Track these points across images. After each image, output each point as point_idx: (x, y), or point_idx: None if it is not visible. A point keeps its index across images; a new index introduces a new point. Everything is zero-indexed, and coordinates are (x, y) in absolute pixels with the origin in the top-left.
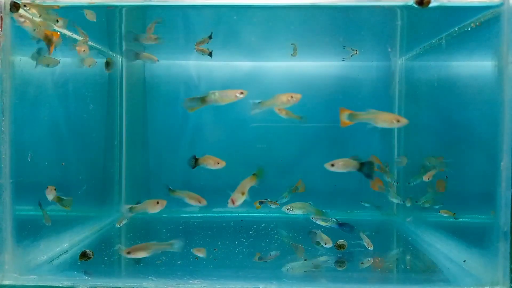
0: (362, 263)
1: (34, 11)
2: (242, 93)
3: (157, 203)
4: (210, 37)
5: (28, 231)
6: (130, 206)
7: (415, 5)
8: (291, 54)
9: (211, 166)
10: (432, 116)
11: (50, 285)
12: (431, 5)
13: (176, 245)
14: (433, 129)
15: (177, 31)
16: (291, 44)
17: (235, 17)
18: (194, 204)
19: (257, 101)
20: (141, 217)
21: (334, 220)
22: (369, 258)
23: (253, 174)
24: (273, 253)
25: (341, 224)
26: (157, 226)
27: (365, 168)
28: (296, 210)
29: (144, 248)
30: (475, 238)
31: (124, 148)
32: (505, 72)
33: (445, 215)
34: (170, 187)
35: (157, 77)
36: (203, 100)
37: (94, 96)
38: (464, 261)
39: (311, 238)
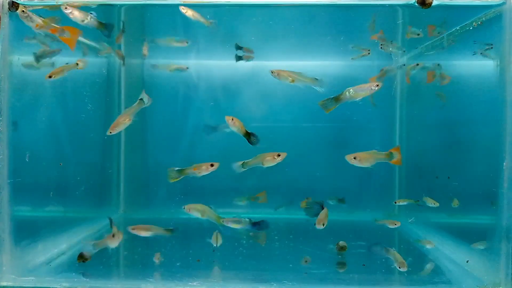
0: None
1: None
2: (378, 85)
3: (278, 155)
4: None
5: (26, 232)
6: (243, 162)
7: (417, 5)
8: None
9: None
10: (434, 116)
11: (48, 286)
12: (433, 4)
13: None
14: (435, 129)
15: (175, 30)
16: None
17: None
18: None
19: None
20: (140, 218)
21: (247, 220)
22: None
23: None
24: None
25: (255, 224)
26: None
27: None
28: (194, 212)
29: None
30: (477, 239)
31: (123, 148)
32: (507, 72)
33: (403, 203)
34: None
35: (156, 77)
36: (337, 99)
37: (92, 96)
38: (467, 261)
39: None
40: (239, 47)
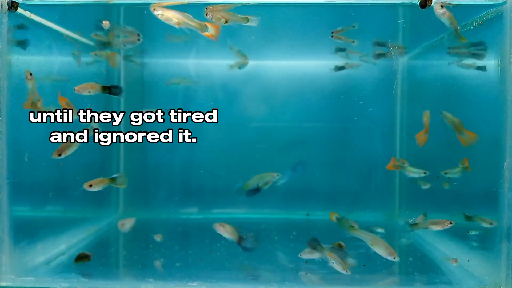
0: None
1: None
2: None
3: None
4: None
5: (25, 233)
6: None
7: (420, 7)
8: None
9: None
10: (434, 116)
11: (47, 286)
12: (434, 3)
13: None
14: (436, 129)
15: (175, 29)
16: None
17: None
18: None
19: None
20: (139, 218)
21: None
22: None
23: None
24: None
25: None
26: (155, 227)
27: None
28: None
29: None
30: (477, 239)
31: (122, 148)
32: (508, 71)
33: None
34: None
35: (156, 76)
36: None
37: (91, 95)
38: (469, 260)
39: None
40: (340, 49)
